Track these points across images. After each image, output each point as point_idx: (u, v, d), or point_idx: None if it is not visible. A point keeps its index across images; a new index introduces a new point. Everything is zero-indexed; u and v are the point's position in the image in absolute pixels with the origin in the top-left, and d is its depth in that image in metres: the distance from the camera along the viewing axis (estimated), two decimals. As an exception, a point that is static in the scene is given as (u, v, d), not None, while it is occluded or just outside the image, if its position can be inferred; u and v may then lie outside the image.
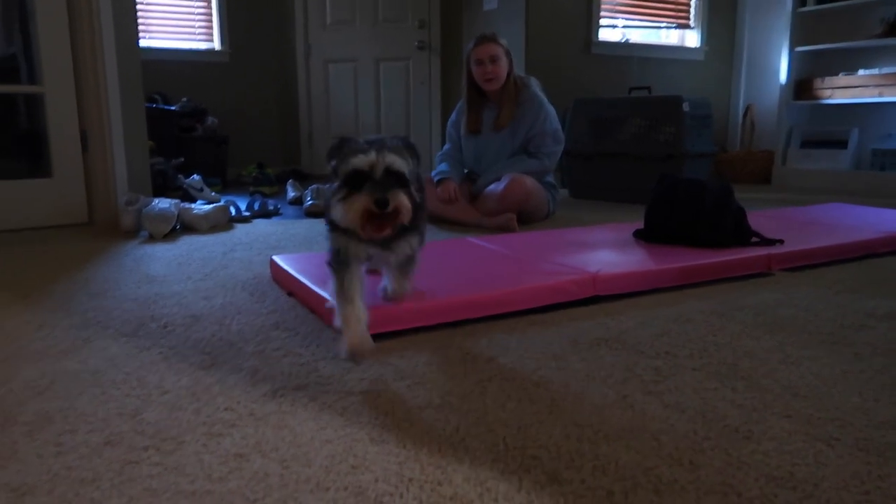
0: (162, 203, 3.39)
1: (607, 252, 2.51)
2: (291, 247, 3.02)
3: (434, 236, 3.18)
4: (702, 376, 1.48)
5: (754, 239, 2.68)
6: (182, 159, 5.07)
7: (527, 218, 3.60)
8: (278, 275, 2.32)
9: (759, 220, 3.11)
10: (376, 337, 1.64)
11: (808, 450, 1.16)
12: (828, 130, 5.73)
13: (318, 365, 1.56)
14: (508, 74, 3.69)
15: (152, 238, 3.22)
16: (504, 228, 3.38)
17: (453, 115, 4.00)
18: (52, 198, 3.53)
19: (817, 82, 5.66)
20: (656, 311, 1.99)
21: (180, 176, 4.47)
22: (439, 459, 1.13)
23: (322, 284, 1.92)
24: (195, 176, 4.42)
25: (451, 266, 2.29)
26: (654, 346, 1.68)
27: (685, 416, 1.29)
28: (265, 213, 3.96)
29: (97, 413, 1.32)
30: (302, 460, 1.13)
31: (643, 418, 1.28)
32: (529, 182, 3.53)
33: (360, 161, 1.39)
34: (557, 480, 1.06)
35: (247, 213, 3.89)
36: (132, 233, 3.36)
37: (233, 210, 3.79)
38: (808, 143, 5.81)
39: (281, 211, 4.12)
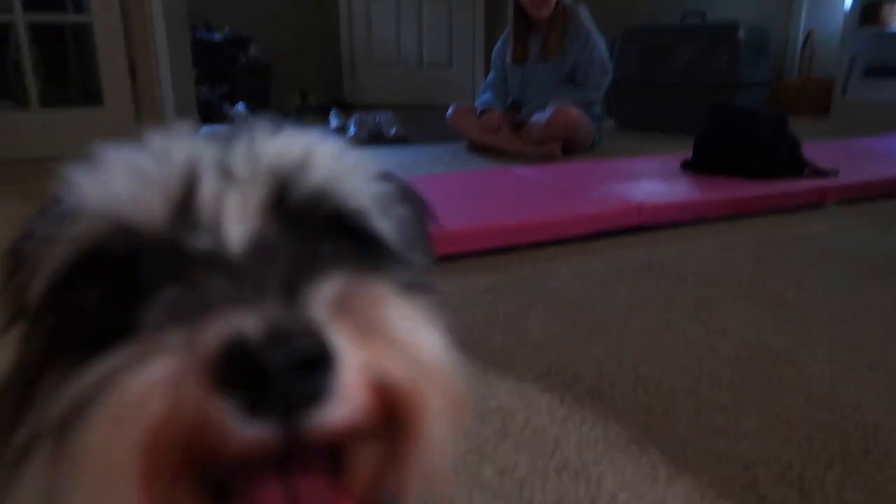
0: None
1: (653, 182, 2.48)
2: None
3: (478, 165, 3.18)
4: (746, 304, 1.49)
5: (808, 170, 2.61)
6: (227, 88, 5.11)
7: (571, 148, 3.55)
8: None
9: (814, 151, 3.02)
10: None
11: (849, 375, 1.17)
12: (894, 59, 5.44)
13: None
14: (557, 2, 3.58)
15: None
16: (548, 158, 3.36)
17: (499, 44, 3.92)
18: (103, 126, 3.62)
19: (886, 8, 5.34)
20: (702, 241, 1.98)
21: (226, 105, 4.52)
22: (485, 374, 1.17)
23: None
24: (240, 105, 4.46)
25: (496, 195, 2.30)
26: (698, 275, 1.68)
27: (727, 341, 1.30)
28: (309, 143, 4.00)
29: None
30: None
31: (685, 342, 1.30)
32: (574, 112, 3.47)
33: (130, 183, 0.34)
34: (599, 397, 1.10)
35: (292, 143, 3.94)
36: (182, 161, 3.45)
37: (278, 139, 3.84)
38: (871, 72, 5.53)
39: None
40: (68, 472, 0.25)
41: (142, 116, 3.73)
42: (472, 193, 2.33)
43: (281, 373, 0.25)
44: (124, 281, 0.30)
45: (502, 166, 3.06)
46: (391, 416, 0.29)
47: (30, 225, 0.34)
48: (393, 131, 4.06)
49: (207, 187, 0.31)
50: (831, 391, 1.11)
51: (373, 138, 4.03)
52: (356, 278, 0.30)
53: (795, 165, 2.60)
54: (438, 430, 0.30)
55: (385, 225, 0.38)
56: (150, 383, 0.24)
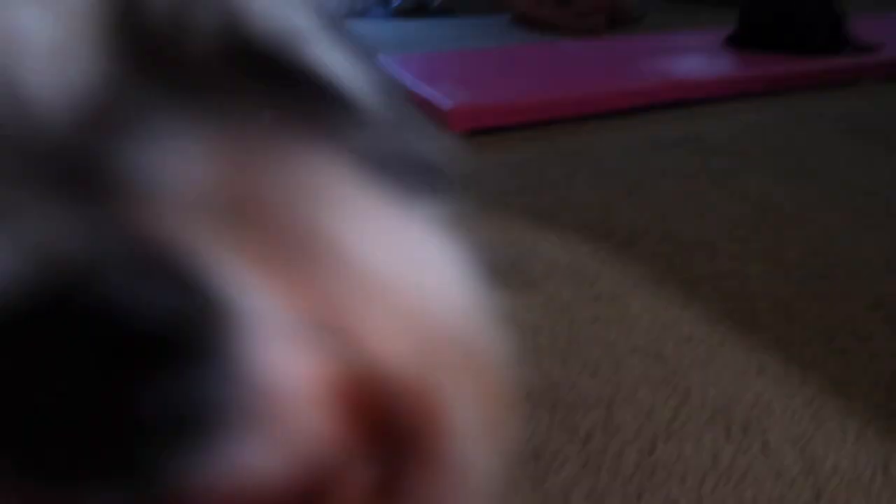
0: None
1: (694, 58, 2.56)
2: (384, 49, 3.17)
3: (523, 39, 3.26)
4: (768, 174, 1.66)
5: (849, 47, 2.65)
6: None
7: (616, 21, 3.58)
8: (381, 75, 2.52)
9: (865, 25, 3.01)
10: (471, 133, 1.86)
11: (848, 232, 1.36)
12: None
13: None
14: None
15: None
16: (592, 31, 3.41)
17: None
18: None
19: None
20: (736, 115, 2.11)
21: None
22: (534, 230, 1.40)
23: (427, 82, 2.12)
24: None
25: (541, 69, 2.43)
26: (728, 147, 1.84)
27: (745, 204, 1.50)
28: (352, 13, 4.07)
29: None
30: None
31: (707, 205, 1.50)
32: (621, -17, 3.47)
33: None
34: (630, 245, 1.32)
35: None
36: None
37: (326, 11, 3.91)
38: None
39: (368, 10, 4.20)
40: None
41: None
42: (518, 68, 2.46)
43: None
44: None
45: (547, 41, 3.14)
46: (381, 433, 0.15)
47: None
48: (438, 2, 4.09)
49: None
50: (829, 245, 1.32)
51: (418, 9, 4.07)
52: (258, 131, 0.17)
53: (837, 42, 2.65)
54: (471, 447, 0.17)
55: (335, 60, 0.21)
56: None
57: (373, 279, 0.14)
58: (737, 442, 0.87)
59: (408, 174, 0.23)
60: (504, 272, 0.89)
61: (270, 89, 0.18)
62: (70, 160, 0.13)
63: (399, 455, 0.14)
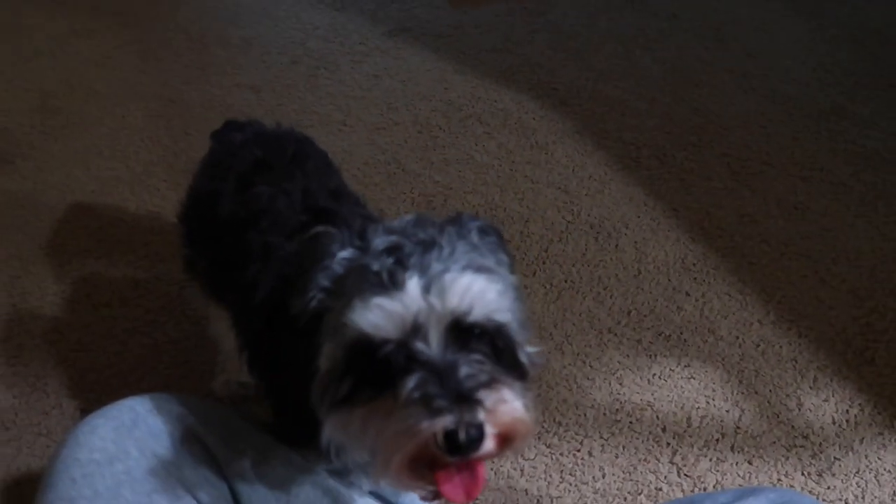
0: None
1: None
2: None
3: None
4: (690, 37, 2.06)
5: None
6: None
7: None
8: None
9: None
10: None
11: (734, 93, 1.82)
12: None
13: (416, 11, 2.19)
14: None
15: None
16: None
17: None
18: None
19: None
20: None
21: None
22: (496, 87, 1.84)
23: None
24: None
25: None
26: (666, 9, 2.20)
27: (663, 68, 1.92)
28: None
29: (278, 40, 2.04)
30: (414, 80, 1.87)
31: (632, 67, 1.92)
32: None
33: (378, 315, 0.61)
34: (564, 104, 1.78)
35: None
36: None
37: None
38: None
39: None
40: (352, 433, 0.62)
41: None
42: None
43: (465, 441, 0.57)
44: (382, 360, 0.59)
45: None
46: (506, 439, 0.61)
47: (313, 278, 0.63)
48: None
49: (422, 320, 0.59)
50: (714, 104, 1.78)
51: None
52: (495, 388, 0.59)
53: None
54: (523, 442, 0.63)
55: (511, 326, 0.64)
56: (417, 436, 0.57)
57: (510, 415, 0.60)
58: (601, 243, 1.42)
59: (517, 377, 0.65)
60: (471, 123, 1.56)
61: (479, 353, 0.62)
62: (449, 377, 0.58)
63: (508, 445, 0.61)
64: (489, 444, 0.58)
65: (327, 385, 0.63)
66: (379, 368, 0.60)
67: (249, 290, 0.78)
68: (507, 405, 0.59)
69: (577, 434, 1.14)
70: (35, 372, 1.21)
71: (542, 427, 1.13)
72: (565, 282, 1.35)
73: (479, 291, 0.61)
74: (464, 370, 0.59)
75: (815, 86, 1.85)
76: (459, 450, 0.57)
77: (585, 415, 1.16)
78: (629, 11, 2.20)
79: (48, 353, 1.23)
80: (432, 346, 0.59)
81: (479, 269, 0.62)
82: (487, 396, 0.58)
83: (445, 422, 0.56)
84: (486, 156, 1.63)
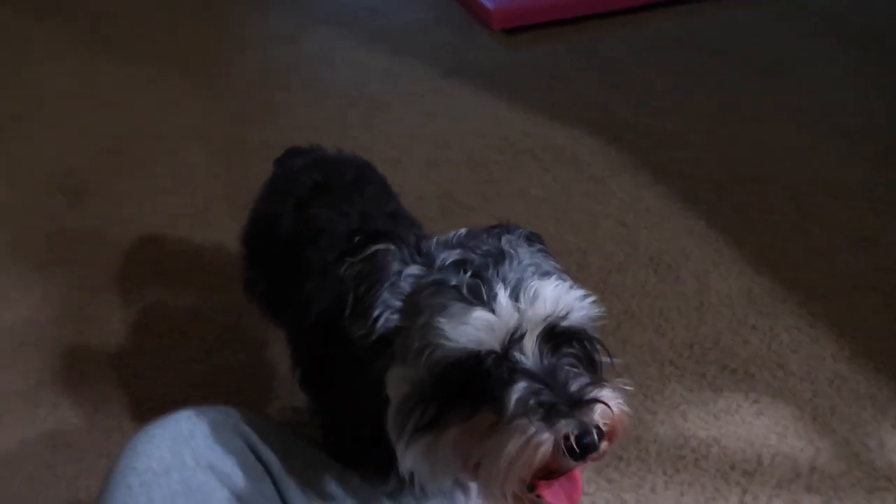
0: None
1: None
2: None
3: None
4: (741, 72, 2.03)
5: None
6: None
7: None
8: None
9: None
10: (511, 31, 2.26)
11: (791, 127, 1.78)
12: None
13: (468, 53, 2.23)
14: None
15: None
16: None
17: None
18: None
19: None
20: (733, 13, 2.39)
21: None
22: (548, 124, 1.85)
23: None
24: None
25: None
26: (715, 45, 2.19)
27: (717, 103, 1.90)
28: None
29: (336, 84, 2.10)
30: (466, 118, 1.90)
31: (686, 102, 1.91)
32: None
33: (479, 329, 0.59)
34: (618, 139, 1.77)
35: None
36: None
37: None
38: None
39: None
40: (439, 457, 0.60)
41: None
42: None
43: (584, 447, 0.55)
44: (478, 376, 0.58)
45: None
46: (612, 436, 0.58)
47: (379, 298, 0.61)
48: None
49: (519, 332, 0.58)
50: (769, 139, 1.74)
51: None
52: (599, 387, 0.58)
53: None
54: (624, 437, 0.61)
55: (592, 333, 0.63)
56: (538, 446, 0.55)
57: (615, 411, 0.59)
58: (661, 275, 1.38)
59: (603, 372, 0.65)
60: (524, 158, 1.56)
61: (571, 356, 0.62)
62: (560, 389, 0.57)
63: (613, 442, 0.60)
64: (604, 443, 0.57)
65: (408, 411, 0.60)
66: (474, 385, 0.58)
67: (305, 307, 0.78)
68: (614, 401, 0.59)
69: (639, 469, 1.08)
70: (98, 395, 1.23)
71: (600, 466, 1.09)
72: (625, 313, 1.31)
73: (566, 296, 0.61)
74: (567, 374, 0.59)
75: (875, 117, 1.80)
76: (582, 453, 0.55)
77: (648, 450, 1.11)
78: (678, 49, 2.19)
79: (110, 378, 1.26)
80: (529, 354, 0.58)
81: (552, 275, 0.62)
82: (598, 396, 0.58)
83: (569, 427, 0.55)
84: (541, 189, 1.62)
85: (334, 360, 0.71)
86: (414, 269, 0.63)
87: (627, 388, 0.62)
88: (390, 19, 2.49)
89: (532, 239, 0.69)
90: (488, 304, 0.58)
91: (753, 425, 1.14)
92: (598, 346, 0.64)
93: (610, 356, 0.66)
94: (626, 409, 0.59)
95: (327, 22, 2.49)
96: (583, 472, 0.61)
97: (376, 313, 0.62)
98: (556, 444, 0.55)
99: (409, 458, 0.61)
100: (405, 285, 0.62)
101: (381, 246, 0.65)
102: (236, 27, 2.51)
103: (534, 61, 2.17)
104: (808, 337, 1.27)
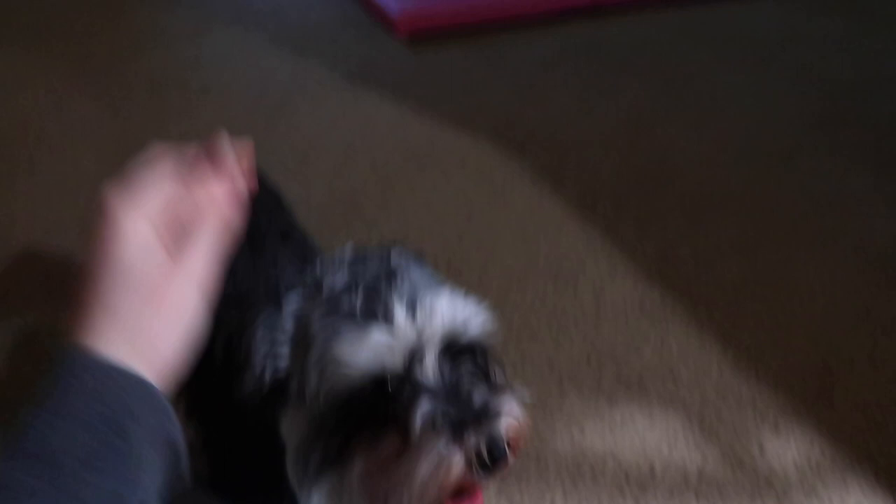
0: None
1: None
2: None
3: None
4: (645, 85, 2.10)
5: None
6: None
7: None
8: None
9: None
10: (415, 37, 2.25)
11: (688, 138, 1.85)
12: None
13: (374, 57, 2.20)
14: None
15: None
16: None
17: None
18: None
19: None
20: (639, 24, 2.48)
21: None
22: (454, 131, 1.85)
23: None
24: None
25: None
26: (621, 57, 2.26)
27: (619, 114, 1.96)
28: None
29: (237, 86, 2.03)
30: (371, 125, 1.87)
31: (588, 113, 1.96)
32: None
33: (378, 350, 0.58)
34: (521, 148, 1.79)
35: None
36: None
37: None
38: None
39: None
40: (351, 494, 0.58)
41: None
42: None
43: (495, 460, 0.54)
44: (380, 396, 0.56)
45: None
46: (515, 445, 0.56)
47: (257, 335, 0.59)
48: None
49: (419, 349, 0.56)
50: (672, 154, 1.81)
51: None
52: (499, 397, 0.57)
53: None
54: (523, 447, 0.58)
55: (487, 342, 0.63)
56: (450, 464, 0.54)
57: (517, 420, 0.58)
58: (559, 287, 1.41)
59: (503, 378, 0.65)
60: (429, 167, 1.53)
61: (470, 365, 0.60)
62: (456, 400, 0.56)
63: (514, 453, 0.57)
64: (510, 455, 0.56)
65: (308, 452, 0.58)
66: (376, 412, 0.56)
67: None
68: (515, 411, 0.58)
69: (538, 486, 1.10)
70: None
71: (503, 481, 1.10)
72: (524, 328, 1.33)
73: (463, 309, 0.60)
74: (470, 388, 0.57)
75: (767, 130, 1.90)
76: (493, 466, 0.54)
77: (547, 466, 1.13)
78: (585, 60, 2.24)
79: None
80: (430, 372, 0.57)
81: (445, 288, 0.61)
82: (502, 408, 0.57)
83: (480, 441, 0.54)
84: (445, 201, 1.62)
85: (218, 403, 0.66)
86: (294, 304, 0.60)
87: (526, 399, 0.61)
88: (295, 21, 2.42)
89: (420, 260, 0.67)
90: (386, 322, 0.56)
91: (647, 436, 1.18)
92: (494, 358, 0.63)
93: (503, 368, 0.65)
94: (524, 419, 0.58)
95: (231, 22, 2.40)
96: (484, 494, 0.60)
97: (259, 362, 0.59)
98: (467, 460, 0.54)
99: (316, 499, 0.59)
100: (287, 324, 0.59)
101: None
102: (138, 23, 2.38)
103: (440, 68, 2.16)
104: (697, 346, 1.33)
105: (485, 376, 0.62)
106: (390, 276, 0.60)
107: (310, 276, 0.62)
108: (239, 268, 0.74)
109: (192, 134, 1.79)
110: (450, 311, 0.59)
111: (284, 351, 0.59)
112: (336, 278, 0.60)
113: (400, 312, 0.57)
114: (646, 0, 2.63)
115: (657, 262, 1.49)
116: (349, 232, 1.53)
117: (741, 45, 2.37)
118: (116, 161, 1.69)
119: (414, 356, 0.56)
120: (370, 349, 0.56)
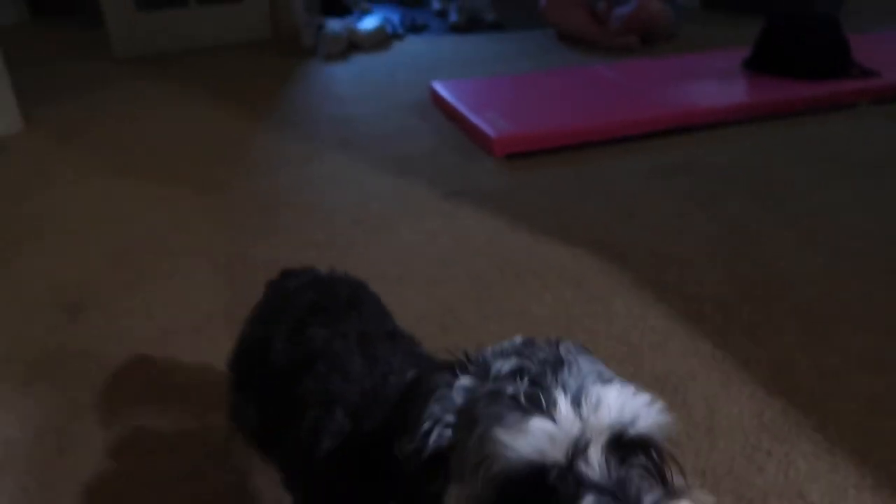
0: (335, 25, 4.05)
1: (709, 83, 2.93)
2: (443, 69, 3.63)
3: (564, 56, 3.66)
4: (744, 196, 2.07)
5: (856, 70, 2.96)
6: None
7: (650, 36, 3.94)
8: (438, 100, 2.99)
9: (863, 44, 3.27)
10: (512, 156, 2.32)
11: (797, 249, 1.77)
12: None
13: (472, 176, 2.28)
14: None
15: (329, 56, 3.92)
16: (626, 48, 3.79)
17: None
18: (244, 19, 4.27)
19: None
20: (734, 140, 2.50)
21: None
22: (552, 243, 1.85)
23: (476, 112, 2.58)
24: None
25: (570, 96, 2.85)
26: (718, 171, 2.24)
27: (720, 226, 1.91)
28: (415, 28, 4.53)
29: (341, 204, 2.14)
30: (468, 238, 1.91)
31: (688, 226, 1.92)
32: (654, 6, 3.83)
33: (539, 439, 0.56)
34: (621, 259, 1.77)
35: (400, 31, 4.48)
36: (311, 49, 4.08)
37: (389, 28, 4.38)
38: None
39: (428, 25, 4.65)
40: None
41: (275, 11, 4.36)
42: (553, 95, 2.89)
43: None
44: (541, 487, 0.53)
45: (580, 65, 3.54)
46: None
47: (428, 412, 0.60)
48: (490, 18, 4.51)
49: (583, 441, 0.54)
50: (776, 259, 1.73)
51: (471, 23, 4.50)
52: (672, 500, 0.53)
53: (844, 66, 2.97)
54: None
55: (661, 440, 0.59)
56: None
57: None
58: (667, 396, 1.33)
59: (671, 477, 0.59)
60: (526, 276, 1.54)
61: (639, 465, 0.56)
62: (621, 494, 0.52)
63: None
64: None
65: None
66: (537, 501, 0.54)
67: (309, 442, 0.74)
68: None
69: None
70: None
71: None
72: (631, 438, 1.25)
73: (632, 402, 0.57)
74: (639, 487, 0.54)
75: (883, 247, 1.80)
76: None
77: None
78: (682, 174, 2.24)
79: (88, 499, 1.19)
80: (595, 465, 0.54)
81: (615, 381, 0.59)
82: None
83: None
84: (543, 308, 1.60)
85: (363, 490, 0.66)
86: (466, 381, 0.61)
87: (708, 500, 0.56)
88: (399, 146, 2.58)
89: (586, 351, 0.66)
90: (548, 412, 0.55)
91: (776, 564, 1.05)
92: (669, 458, 0.59)
93: (682, 471, 0.60)
94: None
95: (339, 148, 2.58)
96: None
97: (426, 427, 0.59)
98: None
99: None
100: (457, 398, 0.60)
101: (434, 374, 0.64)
102: (255, 152, 2.60)
103: (536, 184, 2.21)
104: (828, 465, 1.19)
105: (660, 477, 0.58)
106: (557, 364, 0.59)
107: (479, 361, 0.62)
108: (353, 368, 0.80)
109: (299, 246, 1.89)
110: (618, 404, 0.56)
111: (451, 420, 0.60)
112: (504, 364, 0.60)
113: (563, 402, 0.56)
114: (738, 114, 2.65)
115: (776, 373, 1.38)
116: (447, 338, 1.52)
117: (844, 159, 2.31)
118: (228, 273, 1.82)
119: (578, 448, 0.54)
120: (531, 436, 0.54)
